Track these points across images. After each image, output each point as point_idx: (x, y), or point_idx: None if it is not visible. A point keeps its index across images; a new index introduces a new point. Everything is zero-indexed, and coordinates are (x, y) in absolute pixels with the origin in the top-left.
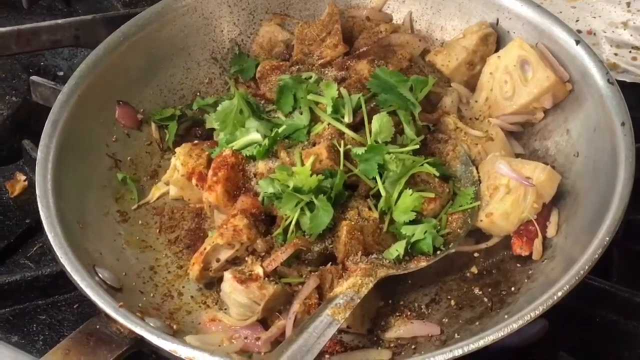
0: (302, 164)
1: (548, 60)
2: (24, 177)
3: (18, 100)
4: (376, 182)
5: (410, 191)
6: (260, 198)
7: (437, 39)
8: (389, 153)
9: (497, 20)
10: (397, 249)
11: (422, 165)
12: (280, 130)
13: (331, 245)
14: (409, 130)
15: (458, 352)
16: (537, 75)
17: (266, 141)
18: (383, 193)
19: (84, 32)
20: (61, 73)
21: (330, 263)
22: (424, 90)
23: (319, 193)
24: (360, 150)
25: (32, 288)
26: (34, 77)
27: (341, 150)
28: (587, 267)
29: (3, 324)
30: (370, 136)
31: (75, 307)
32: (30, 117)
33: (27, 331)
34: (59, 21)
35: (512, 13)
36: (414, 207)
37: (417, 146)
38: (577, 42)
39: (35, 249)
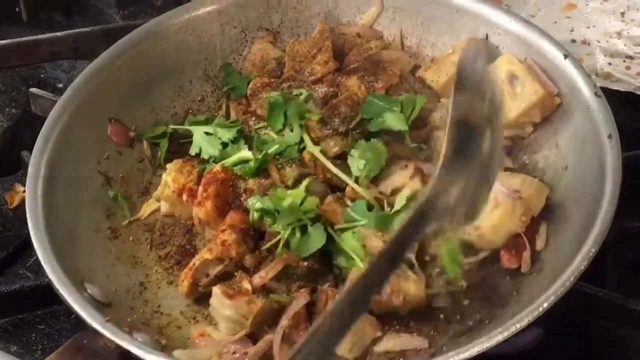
0: (293, 182)
1: (536, 75)
2: (23, 189)
3: (17, 112)
4: None
5: None
6: (250, 214)
7: (427, 55)
8: None
9: (487, 35)
10: None
11: None
12: (270, 150)
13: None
14: None
15: None
16: (525, 89)
17: (254, 161)
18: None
19: (83, 45)
20: (60, 85)
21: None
22: (415, 110)
23: (314, 217)
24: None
25: (31, 298)
26: (33, 89)
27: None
28: (572, 279)
29: (2, 334)
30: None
31: (73, 317)
32: (30, 129)
33: (25, 341)
34: (59, 34)
35: (501, 28)
36: None
37: None
38: (565, 56)
39: (34, 259)
